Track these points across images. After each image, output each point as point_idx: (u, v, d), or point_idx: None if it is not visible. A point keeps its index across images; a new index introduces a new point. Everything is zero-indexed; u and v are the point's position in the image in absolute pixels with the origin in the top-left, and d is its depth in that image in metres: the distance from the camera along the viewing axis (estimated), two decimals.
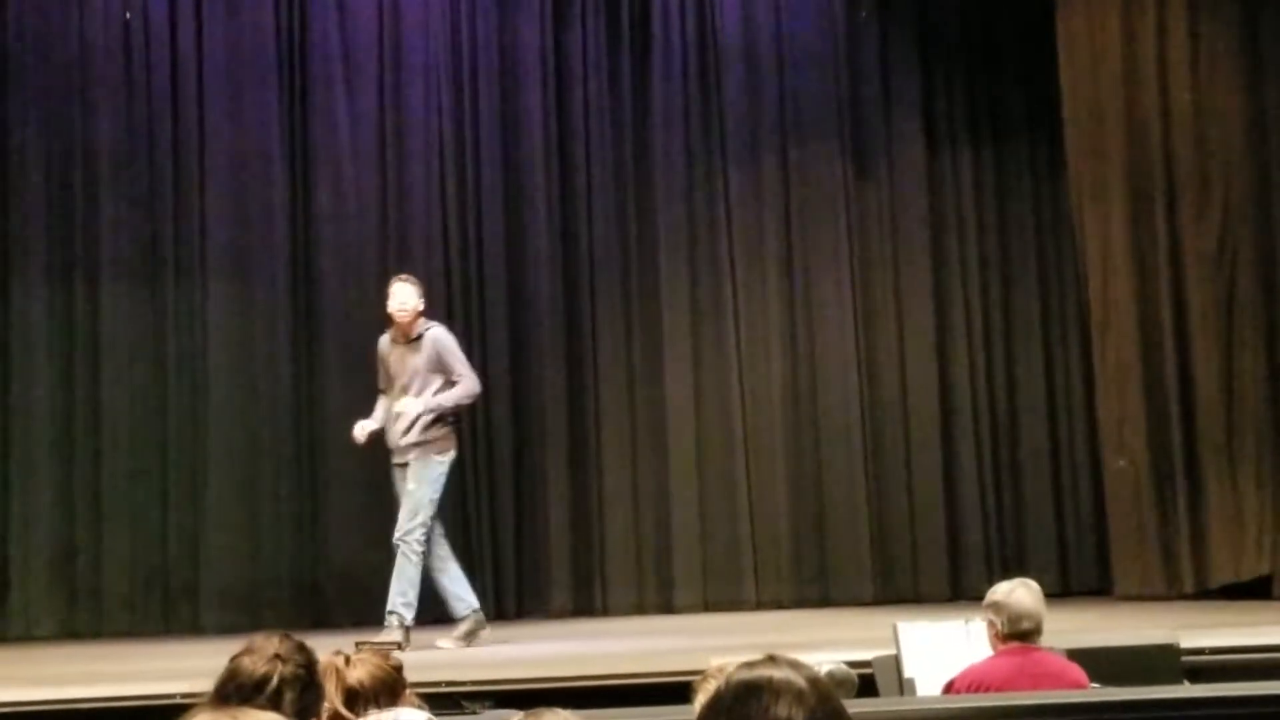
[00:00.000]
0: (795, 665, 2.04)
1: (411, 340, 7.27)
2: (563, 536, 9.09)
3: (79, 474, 8.90)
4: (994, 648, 4.39)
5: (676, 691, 3.63)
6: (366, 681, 3.29)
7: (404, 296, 7.25)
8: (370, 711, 3.27)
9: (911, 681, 4.75)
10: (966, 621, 4.80)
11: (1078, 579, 8.99)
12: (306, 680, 2.92)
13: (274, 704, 2.80)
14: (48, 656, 7.87)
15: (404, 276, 7.40)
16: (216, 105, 9.18)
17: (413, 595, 7.11)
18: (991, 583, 4.73)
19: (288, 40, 9.22)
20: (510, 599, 8.99)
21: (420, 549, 7.12)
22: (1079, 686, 4.18)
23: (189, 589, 8.85)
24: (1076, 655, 4.45)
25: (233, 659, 2.95)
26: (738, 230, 9.36)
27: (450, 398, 7.28)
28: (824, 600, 8.99)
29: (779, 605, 8.98)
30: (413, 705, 3.42)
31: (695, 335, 9.31)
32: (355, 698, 3.25)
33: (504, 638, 7.72)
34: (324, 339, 9.10)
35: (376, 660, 3.40)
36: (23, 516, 8.83)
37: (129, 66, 9.15)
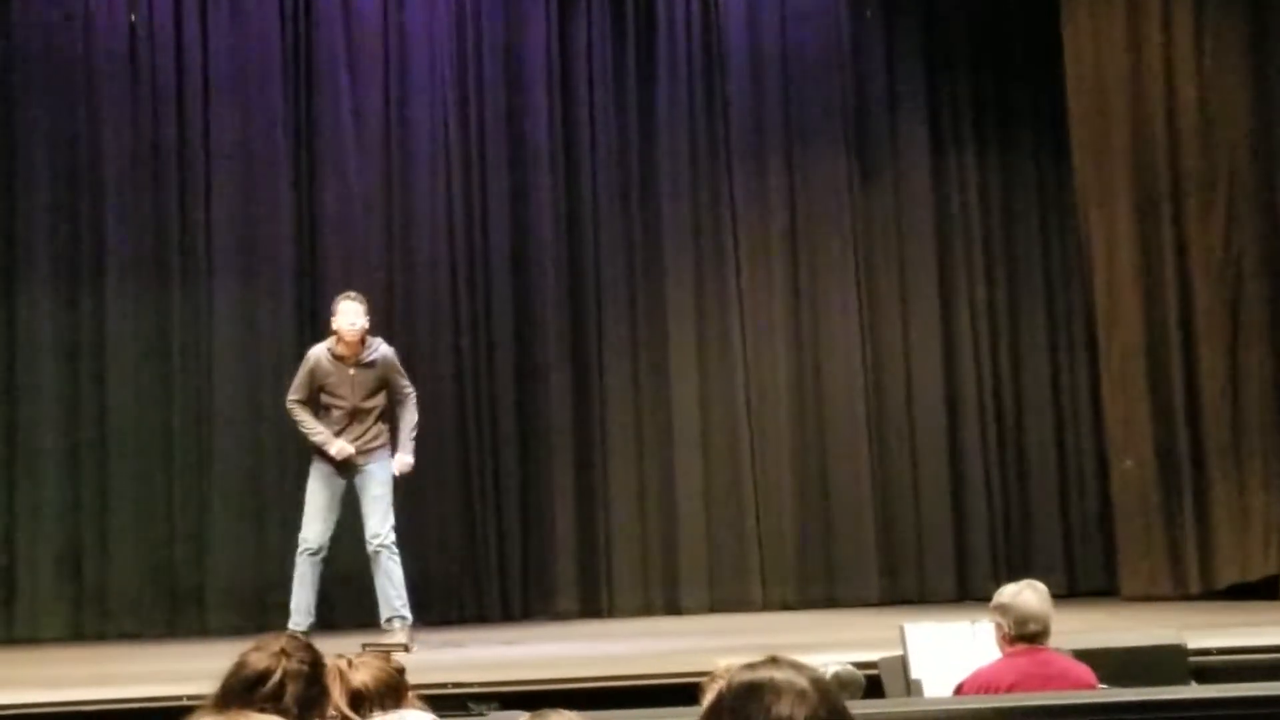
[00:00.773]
0: (797, 666, 2.07)
1: (363, 363, 7.25)
2: (568, 538, 9.09)
3: (85, 475, 8.90)
4: (1002, 650, 4.38)
5: (683, 693, 3.63)
6: (370, 684, 3.30)
7: (353, 316, 7.21)
8: (375, 714, 3.27)
9: (918, 683, 4.74)
10: (973, 623, 4.79)
11: (1084, 580, 8.99)
12: (310, 676, 2.98)
13: (276, 697, 2.89)
14: (54, 658, 7.87)
15: (352, 295, 7.34)
16: (222, 106, 9.18)
17: (406, 595, 7.16)
18: (998, 584, 4.72)
19: (293, 41, 9.23)
20: (516, 600, 8.99)
21: (397, 549, 7.19)
22: (1088, 687, 4.17)
23: (195, 591, 8.85)
24: (1083, 656, 4.44)
25: (241, 655, 3.00)
26: (743, 230, 9.36)
27: (412, 424, 7.32)
28: (830, 601, 8.99)
29: (785, 606, 8.98)
30: (416, 708, 3.41)
31: (701, 336, 9.31)
32: (360, 700, 3.26)
33: (510, 639, 7.72)
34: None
35: (379, 663, 3.40)
36: (29, 517, 8.83)
37: (134, 68, 9.15)
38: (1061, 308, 9.37)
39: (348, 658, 3.37)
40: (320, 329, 9.12)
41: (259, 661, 2.96)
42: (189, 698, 4.67)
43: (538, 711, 2.30)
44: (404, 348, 8.97)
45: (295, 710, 2.91)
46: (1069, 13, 8.55)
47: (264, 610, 8.65)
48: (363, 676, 3.29)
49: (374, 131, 9.24)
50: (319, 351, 7.31)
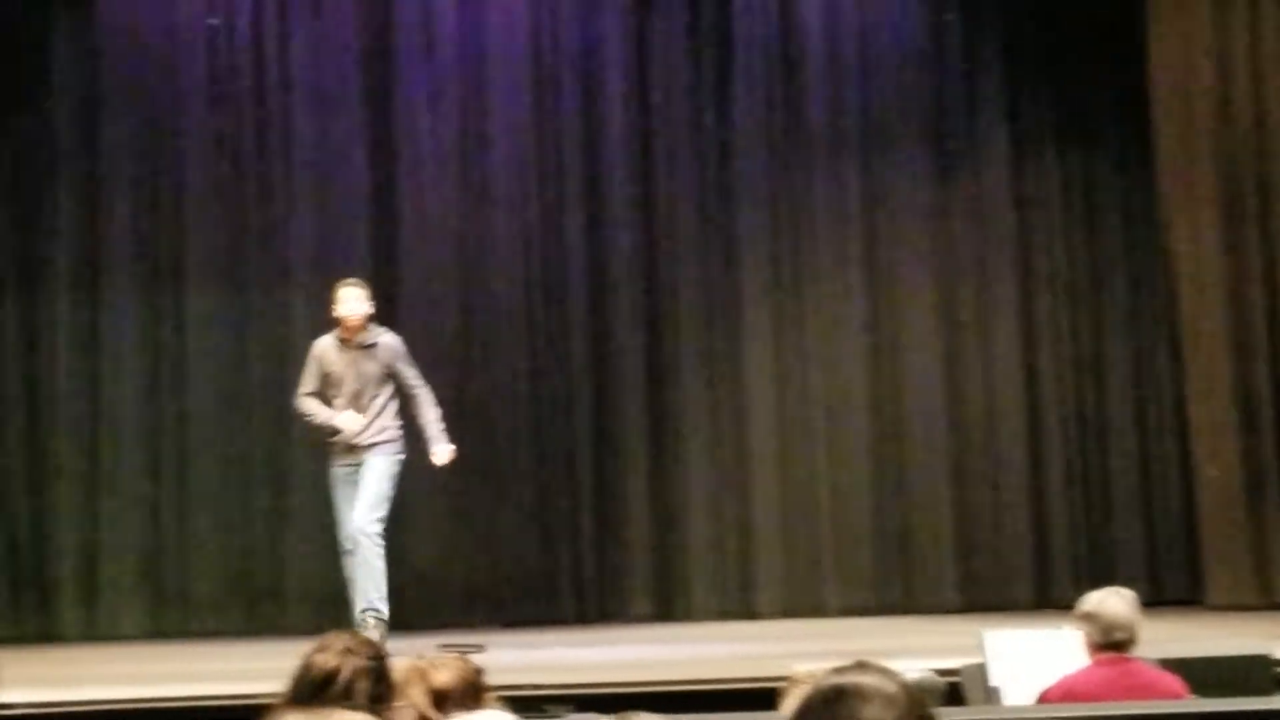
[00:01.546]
0: (885, 671, 2.07)
1: (365, 347, 7.26)
2: (644, 541, 9.08)
3: (165, 476, 9.01)
4: (1090, 657, 4.31)
5: (760, 697, 3.61)
6: (452, 684, 3.29)
7: (354, 302, 7.23)
8: (455, 714, 3.27)
9: (997, 690, 4.69)
10: (1056, 630, 4.73)
11: (1169, 588, 8.84)
12: (378, 672, 2.96)
13: (346, 695, 2.89)
14: (136, 655, 7.97)
15: (351, 281, 7.36)
16: (300, 110, 9.26)
17: (385, 589, 7.09)
18: (1080, 592, 4.65)
19: (370, 42, 9.29)
20: (592, 603, 8.99)
21: (382, 541, 7.11)
22: (1176, 697, 4.10)
23: (273, 590, 8.93)
24: (1168, 665, 4.37)
25: (305, 656, 2.99)
26: (820, 232, 9.32)
27: (436, 415, 7.29)
28: (907, 607, 8.92)
29: (861, 611, 8.91)
30: (495, 709, 3.41)
31: (777, 339, 9.27)
32: (442, 700, 3.25)
33: (585, 641, 7.72)
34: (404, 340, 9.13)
35: (459, 663, 3.40)
36: (111, 519, 8.96)
37: (213, 73, 9.25)
38: (1145, 311, 9.23)
39: (429, 659, 3.37)
40: (395, 330, 9.19)
41: (325, 661, 2.95)
42: (268, 695, 4.72)
43: (620, 715, 2.29)
44: (480, 359, 9.06)
45: (368, 706, 2.89)
46: (1153, 9, 8.43)
47: (340, 608, 8.70)
48: (445, 677, 3.29)
49: (450, 132, 9.25)
50: (322, 341, 7.35)
